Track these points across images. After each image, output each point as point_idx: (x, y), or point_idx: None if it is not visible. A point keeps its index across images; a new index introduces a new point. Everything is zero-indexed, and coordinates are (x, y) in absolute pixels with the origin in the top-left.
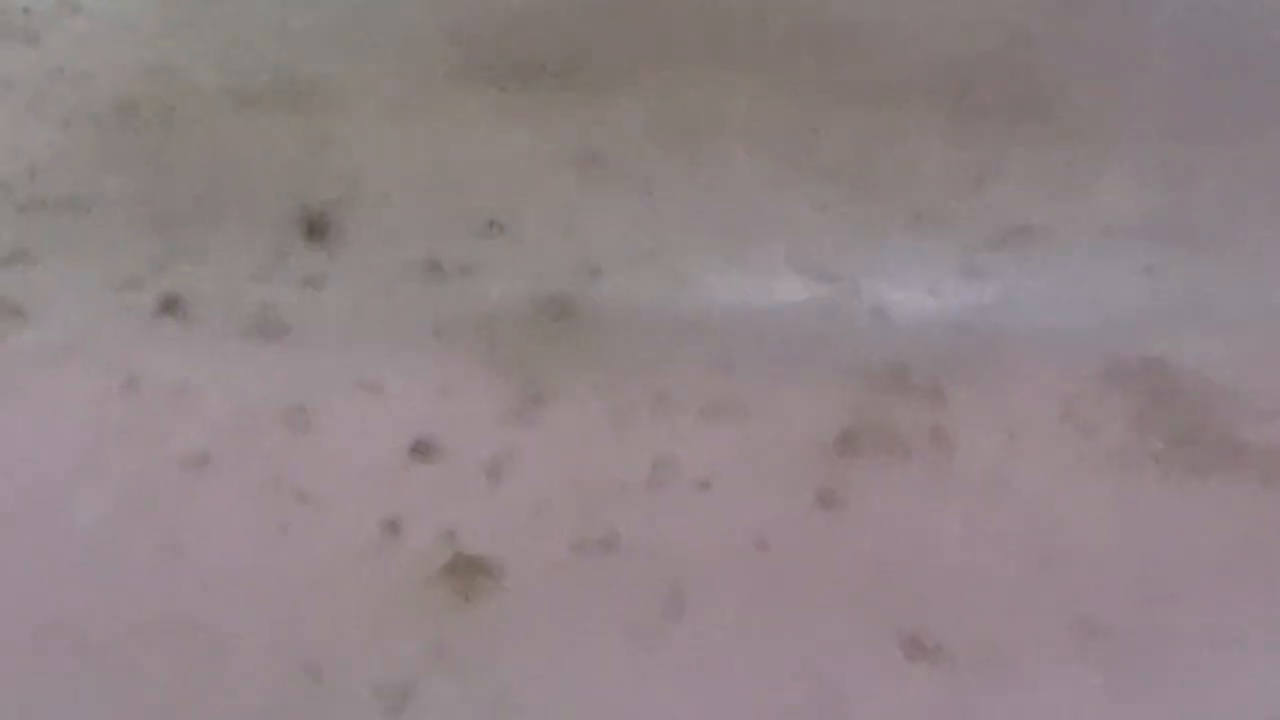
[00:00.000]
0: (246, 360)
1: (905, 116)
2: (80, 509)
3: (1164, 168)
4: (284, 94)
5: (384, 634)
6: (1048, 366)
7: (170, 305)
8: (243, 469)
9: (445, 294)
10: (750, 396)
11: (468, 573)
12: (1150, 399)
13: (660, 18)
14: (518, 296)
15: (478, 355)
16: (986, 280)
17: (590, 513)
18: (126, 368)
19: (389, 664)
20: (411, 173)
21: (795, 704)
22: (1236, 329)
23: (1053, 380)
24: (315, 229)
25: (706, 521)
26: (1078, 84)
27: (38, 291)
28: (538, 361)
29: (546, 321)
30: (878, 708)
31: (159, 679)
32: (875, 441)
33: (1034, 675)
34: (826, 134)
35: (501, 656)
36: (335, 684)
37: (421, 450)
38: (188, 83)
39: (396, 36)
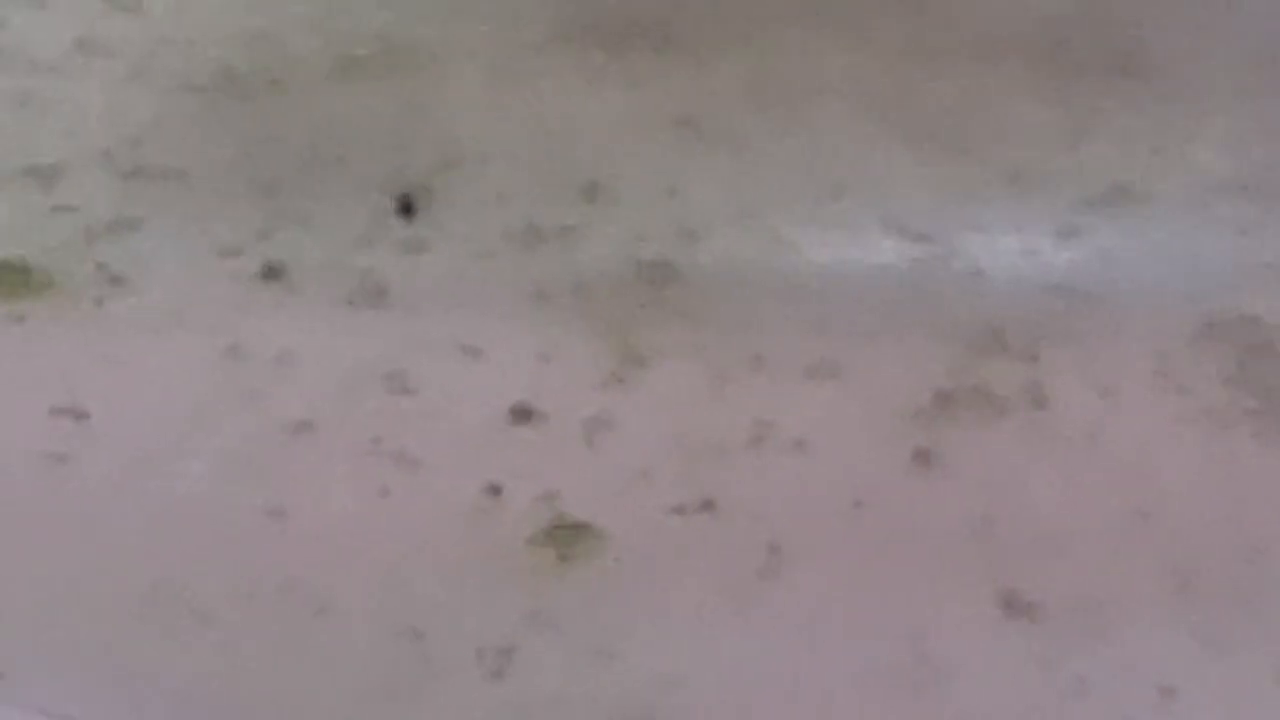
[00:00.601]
0: (348, 326)
1: (1000, 75)
2: (185, 474)
3: (1260, 126)
4: (384, 60)
5: (486, 597)
6: (1142, 325)
7: (272, 272)
8: (344, 433)
9: (544, 258)
10: (847, 357)
11: (568, 536)
12: (1245, 357)
13: None
14: (616, 260)
15: (577, 319)
16: (1082, 239)
17: (689, 475)
18: (229, 334)
19: (491, 627)
20: (510, 137)
21: (892, 661)
22: None
23: (1147, 339)
24: (415, 194)
25: (804, 482)
26: (1174, 41)
27: (141, 259)
28: (636, 324)
29: (645, 284)
30: (975, 665)
31: (263, 642)
32: (971, 401)
33: (1130, 630)
34: (922, 94)
35: (602, 618)
36: (437, 646)
37: (521, 414)
38: (289, 50)
39: (496, 2)
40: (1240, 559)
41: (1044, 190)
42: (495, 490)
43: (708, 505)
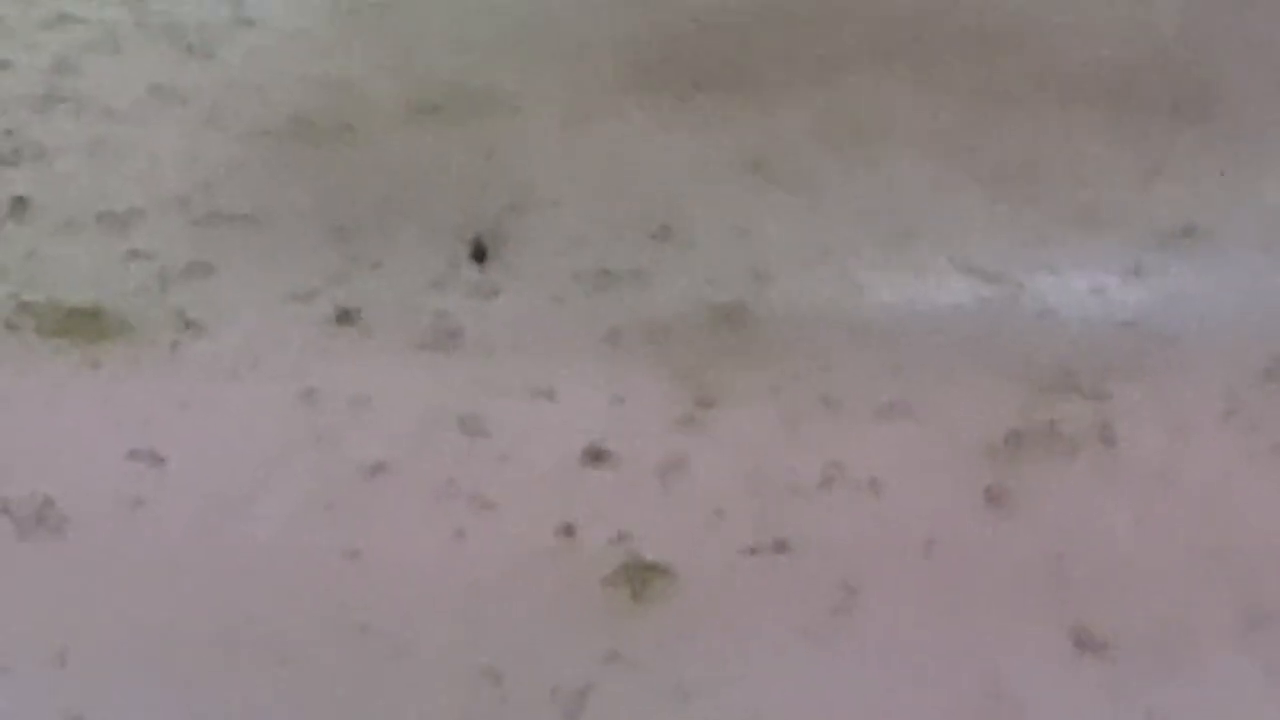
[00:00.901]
0: (422, 369)
1: (1070, 117)
2: (262, 517)
3: None
4: (457, 105)
5: (561, 637)
6: (1212, 363)
7: (346, 316)
8: (420, 476)
9: (616, 301)
10: (918, 397)
11: (642, 576)
12: None
13: (825, 24)
14: (688, 302)
15: (649, 361)
16: (1151, 278)
17: (762, 515)
18: (304, 378)
19: (567, 667)
20: (582, 181)
21: (967, 698)
22: None
23: (1217, 376)
24: (488, 239)
25: (877, 521)
26: (1242, 82)
27: (216, 304)
28: (709, 366)
29: (717, 326)
30: (1048, 700)
31: (341, 681)
32: (1042, 439)
33: (1202, 665)
34: (992, 136)
35: (676, 658)
36: (513, 687)
37: (595, 455)
38: (362, 95)
39: (568, 47)
40: None
41: (1114, 230)
42: (569, 531)
43: (781, 545)
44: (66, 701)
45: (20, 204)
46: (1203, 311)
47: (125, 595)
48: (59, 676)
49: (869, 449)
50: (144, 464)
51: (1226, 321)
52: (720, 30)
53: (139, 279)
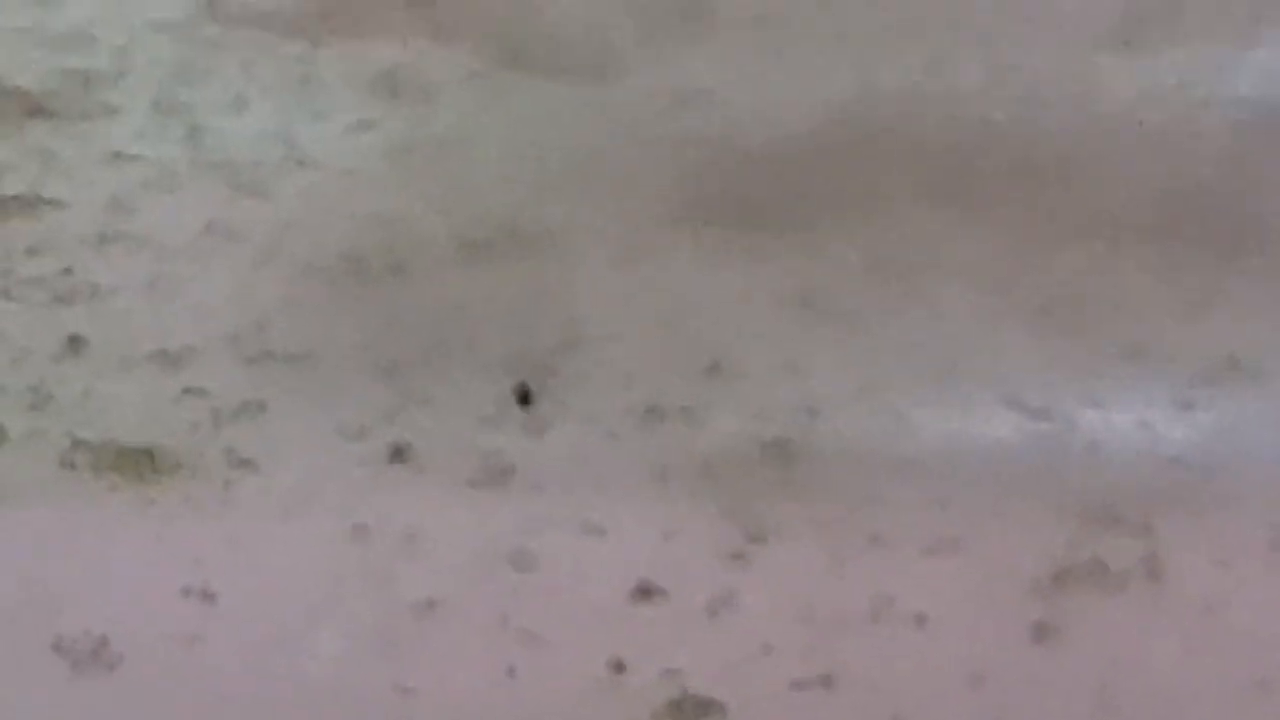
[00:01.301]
0: (473, 506)
1: (1118, 250)
2: (314, 655)
3: None
4: (507, 241)
5: None
6: (1259, 497)
7: (398, 453)
8: (471, 613)
9: (666, 437)
10: (966, 532)
11: (692, 712)
12: None
13: (873, 160)
14: (738, 438)
15: (699, 497)
16: (1198, 413)
17: (810, 650)
18: (356, 516)
19: None
20: (632, 317)
21: None
22: None
23: (1264, 510)
24: (533, 383)
25: (924, 656)
26: None
27: (268, 442)
28: (758, 502)
29: (766, 462)
30: None
31: None
32: (1089, 574)
33: None
34: (1039, 270)
35: None
36: None
37: (645, 591)
38: (414, 233)
39: (618, 184)
40: None
41: (1161, 364)
42: (619, 667)
43: (829, 680)
44: None
45: (76, 342)
46: (1250, 446)
47: None
48: None
49: (917, 584)
50: (196, 601)
51: (1274, 455)
52: (768, 167)
53: (192, 417)
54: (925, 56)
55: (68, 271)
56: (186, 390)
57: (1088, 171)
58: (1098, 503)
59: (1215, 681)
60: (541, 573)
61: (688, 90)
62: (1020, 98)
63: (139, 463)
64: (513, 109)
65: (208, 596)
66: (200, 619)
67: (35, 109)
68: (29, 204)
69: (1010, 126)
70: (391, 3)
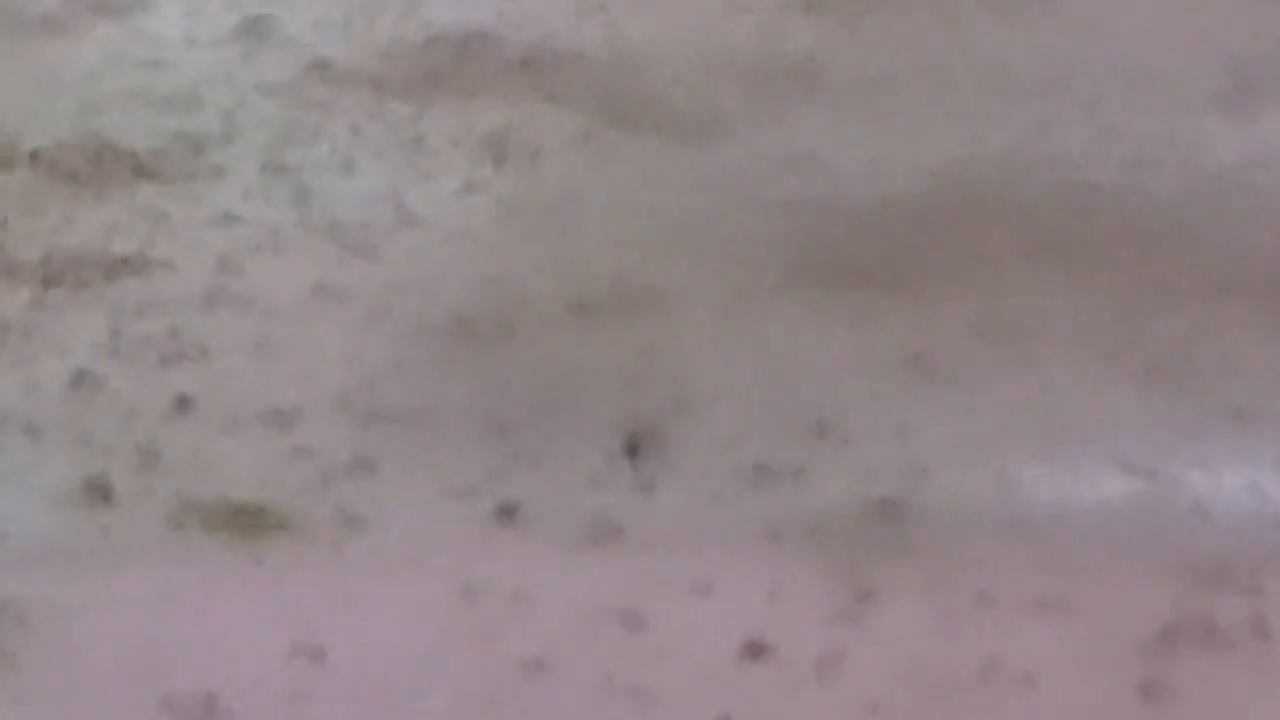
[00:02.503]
0: (581, 564)
1: (1226, 313)
2: (422, 712)
3: None
4: (616, 302)
5: None
6: None
7: (506, 512)
8: (579, 671)
9: (774, 497)
10: (1073, 592)
11: None
12: None
13: (980, 223)
14: (846, 498)
15: (807, 556)
16: None
17: (918, 709)
18: (464, 574)
19: None
20: (741, 378)
21: None
22: None
23: None
24: (642, 438)
25: (1032, 715)
26: None
27: (377, 501)
28: (866, 562)
29: (874, 522)
30: None
31: None
32: (1196, 634)
33: None
34: (1147, 332)
35: None
36: None
37: (753, 649)
38: (523, 293)
39: (726, 245)
40: None
41: (1267, 425)
42: None
43: None
44: None
45: (185, 402)
46: None
47: None
48: None
49: (1024, 643)
50: (305, 659)
51: None
52: (877, 228)
53: (302, 476)
54: (1030, 120)
55: (176, 332)
56: (296, 449)
57: (1194, 234)
58: (1205, 562)
59: None
60: (649, 632)
61: (794, 152)
62: (1126, 160)
63: (249, 521)
64: (620, 171)
65: (316, 654)
66: (309, 677)
67: (145, 171)
68: (138, 265)
69: (1116, 189)
70: (500, 66)
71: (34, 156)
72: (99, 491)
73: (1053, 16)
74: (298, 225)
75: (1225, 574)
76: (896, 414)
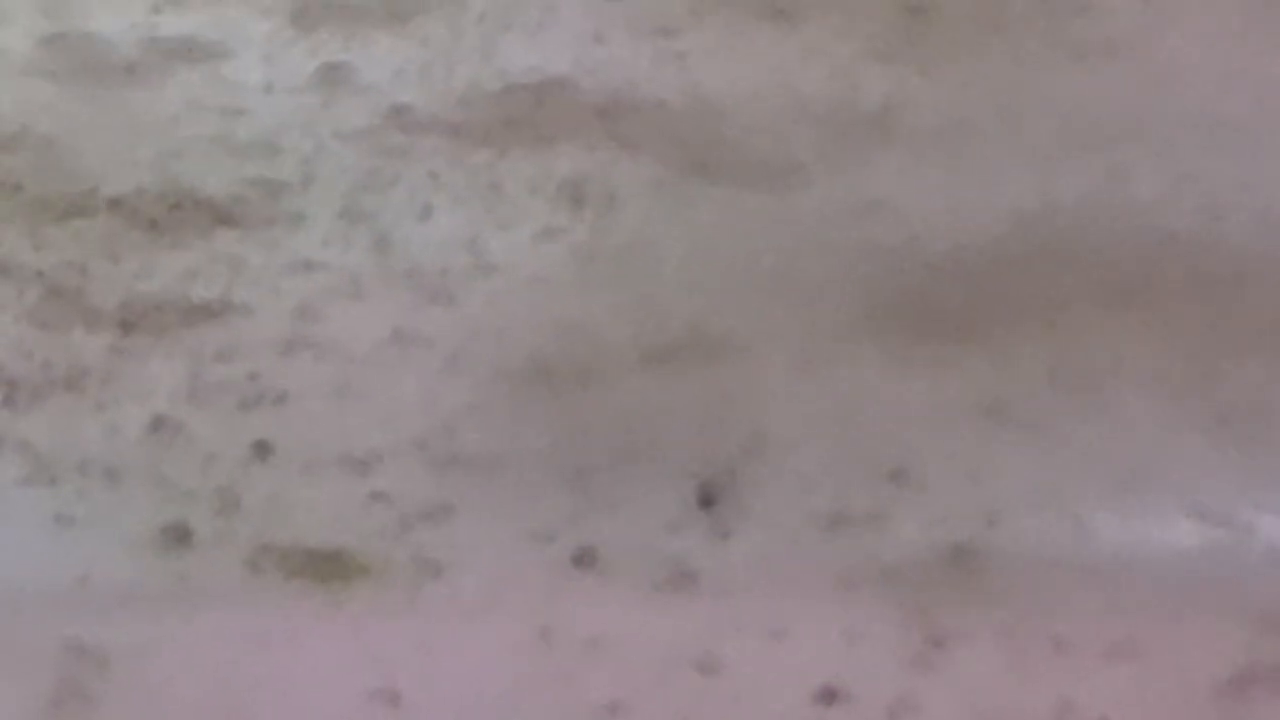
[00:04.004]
0: (658, 610)
1: None
2: None
3: None
4: (693, 349)
5: None
6: None
7: (583, 558)
8: (655, 714)
9: (849, 543)
10: (1147, 638)
11: None
12: None
13: (1055, 269)
14: (920, 545)
15: (881, 602)
16: None
17: None
18: (541, 619)
19: None
20: (816, 424)
21: None
22: None
23: None
24: (717, 486)
25: None
26: None
27: (456, 545)
28: (939, 607)
29: (948, 569)
30: None
31: None
32: (1272, 682)
33: None
34: (1223, 379)
35: None
36: None
37: (827, 695)
38: (599, 338)
39: (801, 291)
40: None
41: None
42: None
43: None
44: None
45: (263, 447)
46: None
47: None
48: None
49: (1098, 689)
50: (381, 703)
51: None
52: (952, 275)
53: (379, 521)
54: (1105, 166)
55: (255, 377)
56: (374, 494)
57: (1268, 280)
58: (1278, 609)
59: None
60: (725, 676)
61: (869, 199)
62: (1200, 207)
63: (327, 566)
64: (697, 217)
65: (392, 698)
66: None
67: (224, 217)
68: (217, 310)
69: (1191, 235)
70: (577, 111)
71: (113, 203)
72: (178, 536)
73: (1128, 62)
74: (376, 271)
75: None
76: (971, 460)
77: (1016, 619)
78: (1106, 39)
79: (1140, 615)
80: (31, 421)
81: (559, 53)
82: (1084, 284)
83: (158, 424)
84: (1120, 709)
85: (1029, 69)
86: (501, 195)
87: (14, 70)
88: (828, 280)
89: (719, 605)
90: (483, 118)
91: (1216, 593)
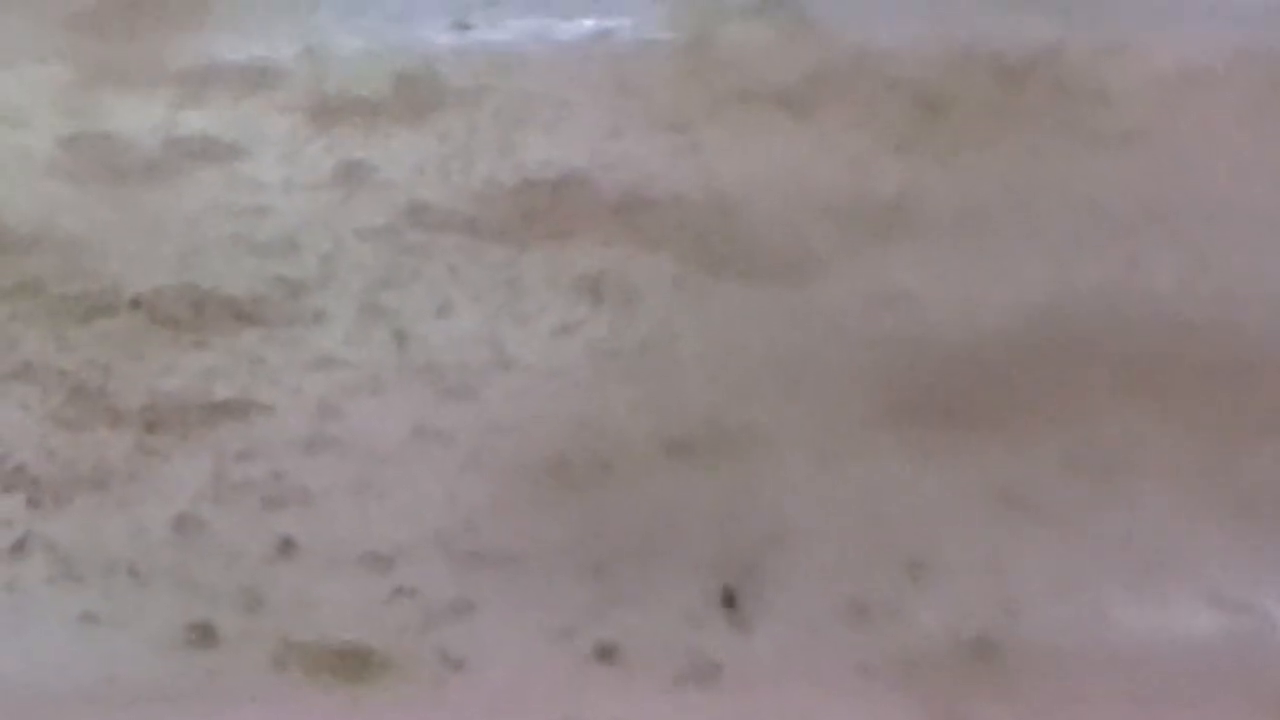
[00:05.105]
0: (679, 705)
1: None
2: None
3: None
4: (713, 443)
5: None
6: None
7: (605, 652)
8: None
9: (870, 635)
10: None
11: None
12: None
13: (1073, 359)
14: (940, 637)
15: (902, 694)
16: None
17: None
18: (564, 712)
19: None
20: (835, 516)
21: None
22: None
23: None
24: (738, 587)
25: None
26: None
27: (478, 641)
28: (960, 699)
29: (968, 660)
30: None
31: None
32: None
33: None
34: (1240, 467)
35: None
36: None
37: None
38: (618, 433)
39: (820, 384)
40: None
41: None
42: None
43: None
44: None
45: (287, 545)
46: None
47: None
48: None
49: None
50: None
51: None
52: (969, 365)
53: (402, 617)
54: (1121, 254)
55: (278, 475)
56: (397, 590)
57: None
58: None
59: None
60: None
61: (887, 291)
62: (1216, 294)
63: (349, 663)
64: (714, 312)
65: None
66: None
67: (245, 315)
68: (239, 409)
69: (1207, 323)
70: (595, 208)
71: (135, 303)
72: (204, 634)
73: (1143, 150)
74: (396, 367)
75: None
76: (990, 550)
77: (1038, 709)
78: (1122, 129)
79: (1161, 704)
80: (57, 521)
81: (575, 148)
82: (1101, 373)
83: (182, 523)
84: None
85: (1045, 159)
86: (520, 291)
87: (35, 171)
88: (845, 372)
89: (741, 698)
90: (500, 213)
91: (1238, 681)
